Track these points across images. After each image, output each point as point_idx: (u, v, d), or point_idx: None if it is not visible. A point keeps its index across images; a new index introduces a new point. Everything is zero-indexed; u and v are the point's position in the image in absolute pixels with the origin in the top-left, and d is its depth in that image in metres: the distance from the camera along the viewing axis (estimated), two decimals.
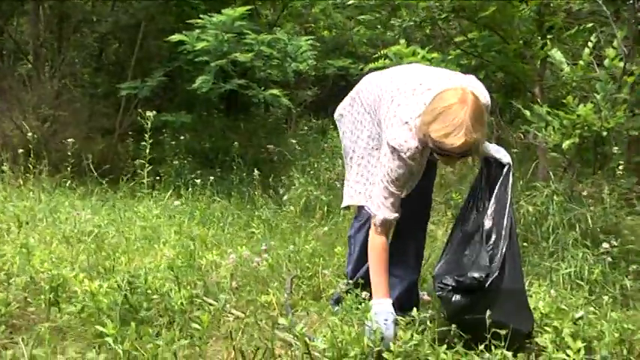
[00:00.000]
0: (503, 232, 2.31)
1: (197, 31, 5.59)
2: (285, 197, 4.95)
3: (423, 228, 2.68)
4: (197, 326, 2.16)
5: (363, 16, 6.37)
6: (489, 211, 2.36)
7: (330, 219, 4.39)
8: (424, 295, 2.67)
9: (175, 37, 5.61)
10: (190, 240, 3.55)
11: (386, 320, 2.20)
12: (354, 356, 2.00)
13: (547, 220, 3.71)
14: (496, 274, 2.24)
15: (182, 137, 6.45)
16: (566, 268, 3.27)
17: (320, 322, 2.52)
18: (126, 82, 6.51)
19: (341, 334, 2.12)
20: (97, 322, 2.22)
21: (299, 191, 4.94)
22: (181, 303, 2.48)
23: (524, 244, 3.59)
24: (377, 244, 2.35)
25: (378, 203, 2.33)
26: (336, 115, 2.73)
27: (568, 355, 2.20)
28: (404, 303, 2.48)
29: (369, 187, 2.51)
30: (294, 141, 6.23)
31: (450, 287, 2.29)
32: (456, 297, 2.29)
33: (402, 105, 2.28)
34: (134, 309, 2.45)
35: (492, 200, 2.35)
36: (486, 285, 2.23)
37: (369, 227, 2.47)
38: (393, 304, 2.31)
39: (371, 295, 2.36)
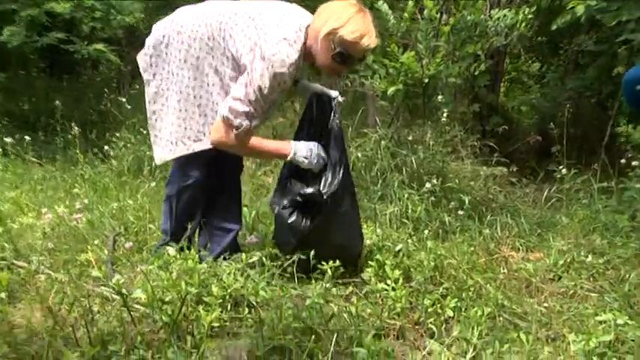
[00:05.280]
0: (339, 159, 2.47)
1: None
2: (111, 153, 4.71)
3: (240, 178, 2.78)
4: None
5: None
6: (325, 140, 2.51)
7: (159, 174, 4.25)
8: (253, 239, 2.69)
9: None
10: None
11: (310, 149, 2.43)
12: (170, 301, 1.95)
13: (376, 165, 3.88)
14: (334, 189, 2.42)
15: None
16: (393, 207, 3.46)
17: (142, 275, 2.43)
18: None
19: (160, 281, 2.06)
20: None
21: (128, 150, 4.72)
22: None
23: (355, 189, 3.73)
24: (249, 142, 2.38)
25: (240, 112, 2.29)
26: (142, 61, 2.54)
27: (388, 285, 2.35)
28: (232, 251, 2.54)
29: (208, 125, 2.42)
30: (123, 99, 5.91)
31: (290, 207, 2.47)
32: (296, 217, 2.46)
33: (271, 25, 2.31)
34: None
35: (330, 129, 2.50)
36: (325, 197, 2.40)
37: (196, 189, 2.53)
38: (224, 257, 2.41)
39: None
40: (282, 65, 2.25)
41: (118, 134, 5.19)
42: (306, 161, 2.44)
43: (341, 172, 2.46)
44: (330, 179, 2.45)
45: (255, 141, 2.41)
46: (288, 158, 2.45)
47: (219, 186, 2.60)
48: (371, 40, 2.30)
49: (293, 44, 2.30)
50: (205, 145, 2.44)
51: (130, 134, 5.17)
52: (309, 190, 2.43)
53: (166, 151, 2.51)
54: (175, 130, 2.46)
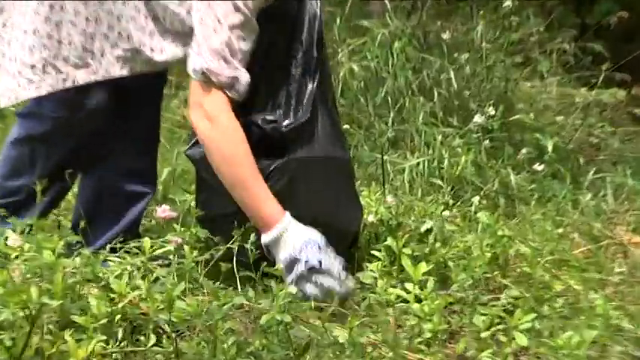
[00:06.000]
0: (313, 68, 2.50)
1: None
2: None
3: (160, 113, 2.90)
4: None
5: None
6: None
7: None
8: (165, 213, 2.71)
9: None
10: None
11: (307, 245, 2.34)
12: (9, 324, 1.94)
13: (384, 85, 3.88)
14: (304, 119, 2.45)
15: None
16: (416, 159, 3.47)
17: None
18: None
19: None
20: None
21: None
22: None
23: (347, 126, 3.73)
24: (237, 134, 2.39)
25: (222, 61, 2.34)
26: None
27: (408, 291, 2.37)
28: (128, 234, 2.61)
29: (103, 42, 2.43)
30: None
31: None
32: None
33: None
34: None
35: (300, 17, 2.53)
36: (283, 128, 2.44)
37: (93, 123, 2.51)
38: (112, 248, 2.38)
39: None
40: None
41: None
42: (284, 269, 2.33)
43: (314, 86, 2.48)
44: (294, 104, 2.48)
45: (241, 140, 2.39)
46: (263, 240, 2.38)
47: (126, 123, 2.63)
48: None
49: None
50: (98, 75, 2.43)
51: None
52: (258, 117, 2.45)
53: (22, 81, 2.46)
54: (42, 43, 2.43)
